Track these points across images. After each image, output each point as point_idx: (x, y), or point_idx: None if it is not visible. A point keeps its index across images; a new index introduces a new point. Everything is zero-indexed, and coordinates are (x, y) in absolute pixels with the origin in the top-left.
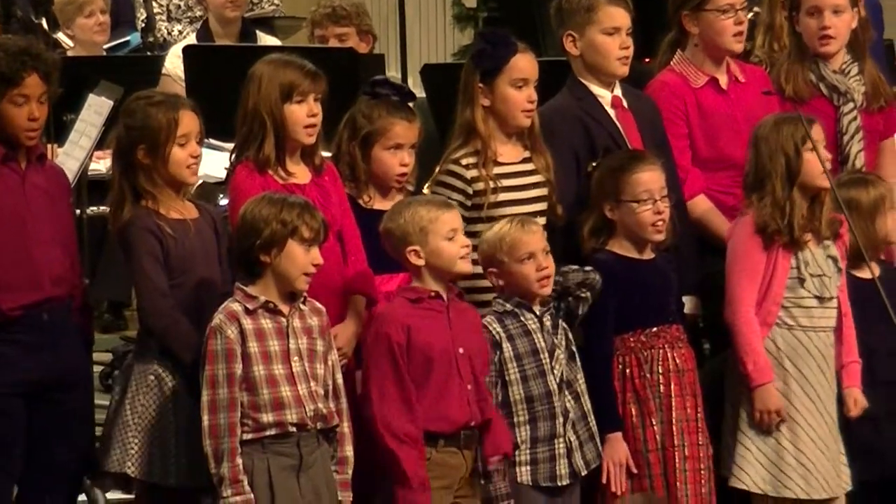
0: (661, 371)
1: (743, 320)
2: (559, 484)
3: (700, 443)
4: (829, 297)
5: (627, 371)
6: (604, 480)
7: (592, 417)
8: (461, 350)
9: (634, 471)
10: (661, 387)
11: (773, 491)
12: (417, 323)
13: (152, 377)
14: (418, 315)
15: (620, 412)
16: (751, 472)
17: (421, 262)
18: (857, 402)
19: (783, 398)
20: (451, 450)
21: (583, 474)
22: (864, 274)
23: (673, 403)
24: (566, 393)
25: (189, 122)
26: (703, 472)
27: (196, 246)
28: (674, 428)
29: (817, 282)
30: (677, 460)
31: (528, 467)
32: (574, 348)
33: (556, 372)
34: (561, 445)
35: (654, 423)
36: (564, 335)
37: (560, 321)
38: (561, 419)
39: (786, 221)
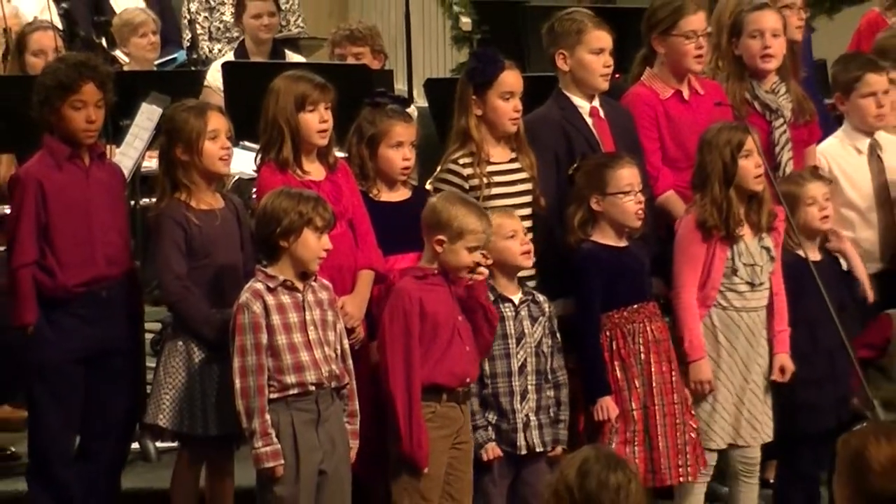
0: (641, 342)
1: (683, 304)
2: (517, 452)
3: (676, 401)
4: (759, 283)
5: (614, 343)
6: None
7: (560, 408)
8: (460, 318)
9: (617, 425)
10: (642, 355)
11: (702, 443)
12: (426, 295)
13: (181, 343)
14: (426, 289)
15: (610, 378)
16: None
17: (440, 251)
18: (785, 367)
19: (716, 367)
20: (451, 404)
21: (538, 451)
22: (811, 255)
23: (652, 369)
24: (532, 377)
25: (217, 119)
26: (678, 425)
27: (220, 233)
28: (654, 390)
29: (749, 270)
30: (658, 416)
31: (494, 433)
32: (559, 343)
33: (519, 356)
34: (519, 419)
35: (637, 385)
36: (545, 329)
37: (544, 318)
38: (518, 397)
39: (723, 218)
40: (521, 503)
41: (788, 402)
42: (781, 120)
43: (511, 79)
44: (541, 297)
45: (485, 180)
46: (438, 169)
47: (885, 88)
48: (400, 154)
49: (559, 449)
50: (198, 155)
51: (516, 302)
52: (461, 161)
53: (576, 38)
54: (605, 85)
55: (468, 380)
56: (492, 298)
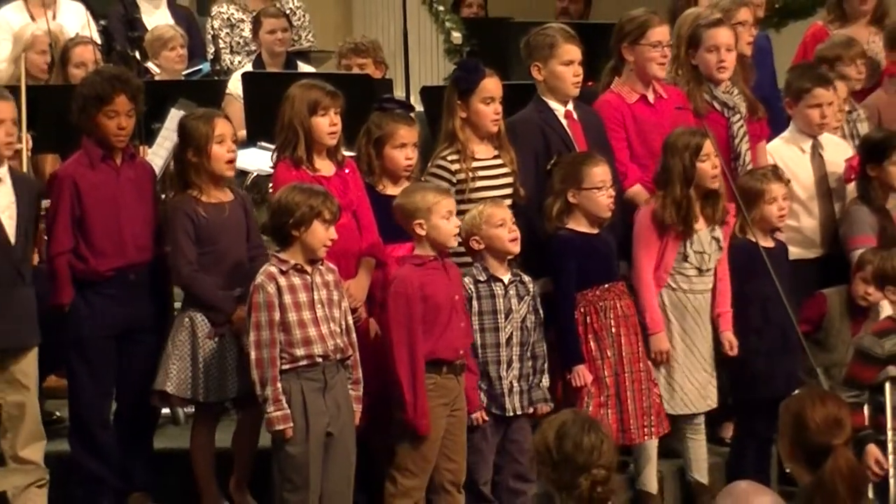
0: (612, 317)
1: (643, 284)
2: (505, 414)
3: (642, 369)
4: (706, 270)
5: (588, 318)
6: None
7: (539, 377)
8: (456, 297)
9: (592, 390)
10: (613, 329)
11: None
12: (427, 280)
13: (187, 319)
14: (427, 274)
15: (584, 349)
16: None
17: (423, 233)
18: (731, 342)
19: (668, 342)
20: (449, 376)
21: (518, 413)
22: (763, 243)
23: (622, 341)
24: (517, 349)
25: (223, 126)
26: (644, 390)
27: (227, 223)
28: (623, 359)
29: (698, 257)
30: (627, 383)
31: (486, 398)
32: (541, 319)
33: (506, 330)
34: (505, 385)
35: (609, 355)
36: (530, 306)
37: (529, 297)
38: (505, 366)
39: (682, 216)
40: (508, 458)
41: (744, 372)
42: (738, 115)
43: (491, 85)
44: (526, 278)
45: (470, 174)
46: (429, 165)
47: (830, 101)
48: (403, 154)
49: (545, 408)
50: (206, 157)
51: (506, 282)
52: (449, 158)
53: (548, 51)
54: (575, 91)
55: (461, 352)
56: (484, 278)
